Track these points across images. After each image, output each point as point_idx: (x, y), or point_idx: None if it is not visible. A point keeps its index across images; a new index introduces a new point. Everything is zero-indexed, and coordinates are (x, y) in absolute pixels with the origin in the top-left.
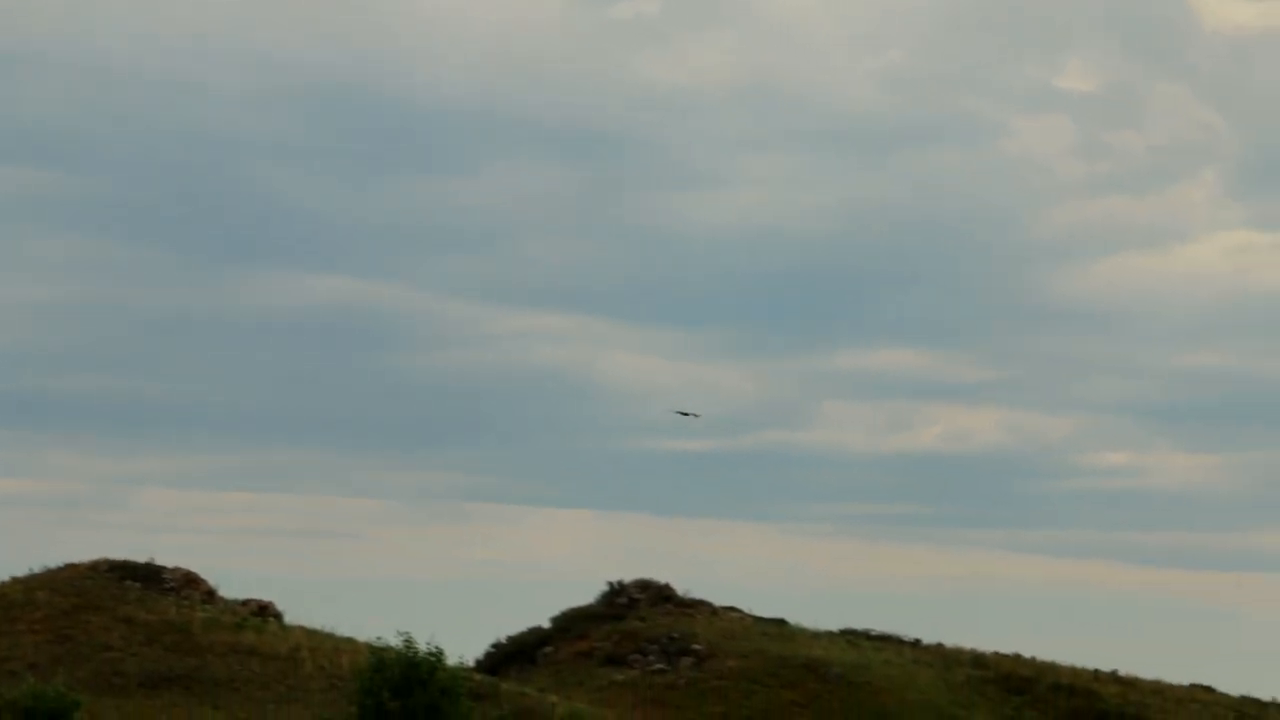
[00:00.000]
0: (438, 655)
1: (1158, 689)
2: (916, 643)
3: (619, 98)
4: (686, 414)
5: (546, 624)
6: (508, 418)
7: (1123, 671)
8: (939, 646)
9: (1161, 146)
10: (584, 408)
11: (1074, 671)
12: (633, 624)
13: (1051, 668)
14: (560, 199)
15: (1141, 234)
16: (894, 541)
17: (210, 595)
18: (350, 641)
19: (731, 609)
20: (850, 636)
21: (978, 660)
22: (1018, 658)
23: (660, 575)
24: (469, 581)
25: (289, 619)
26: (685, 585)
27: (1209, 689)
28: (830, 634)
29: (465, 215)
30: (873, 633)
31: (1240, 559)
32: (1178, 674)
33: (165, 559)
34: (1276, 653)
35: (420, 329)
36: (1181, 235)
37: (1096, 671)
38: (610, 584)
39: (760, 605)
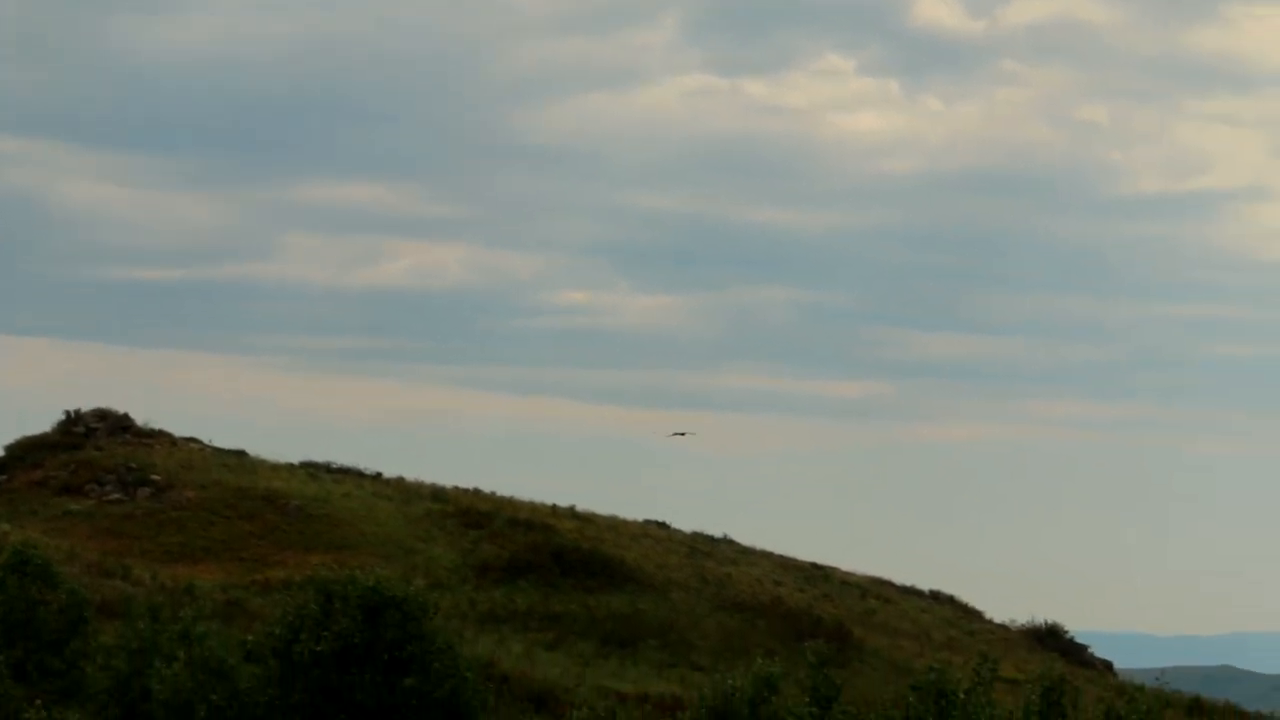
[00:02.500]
0: None
1: (613, 524)
2: (377, 476)
3: None
4: (682, 434)
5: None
6: None
7: (580, 507)
8: (400, 480)
9: None
10: (39, 234)
11: (532, 507)
12: (90, 454)
13: (510, 503)
14: (10, 19)
15: (604, 75)
16: (357, 376)
17: None
18: None
19: (191, 440)
20: (311, 469)
21: (437, 494)
22: (477, 492)
23: (119, 405)
24: None
25: None
26: (144, 416)
27: (663, 525)
28: (290, 466)
29: None
30: (333, 465)
31: (696, 399)
32: (633, 510)
33: None
34: (727, 491)
35: None
36: (642, 77)
37: (554, 507)
38: (67, 413)
39: (220, 437)
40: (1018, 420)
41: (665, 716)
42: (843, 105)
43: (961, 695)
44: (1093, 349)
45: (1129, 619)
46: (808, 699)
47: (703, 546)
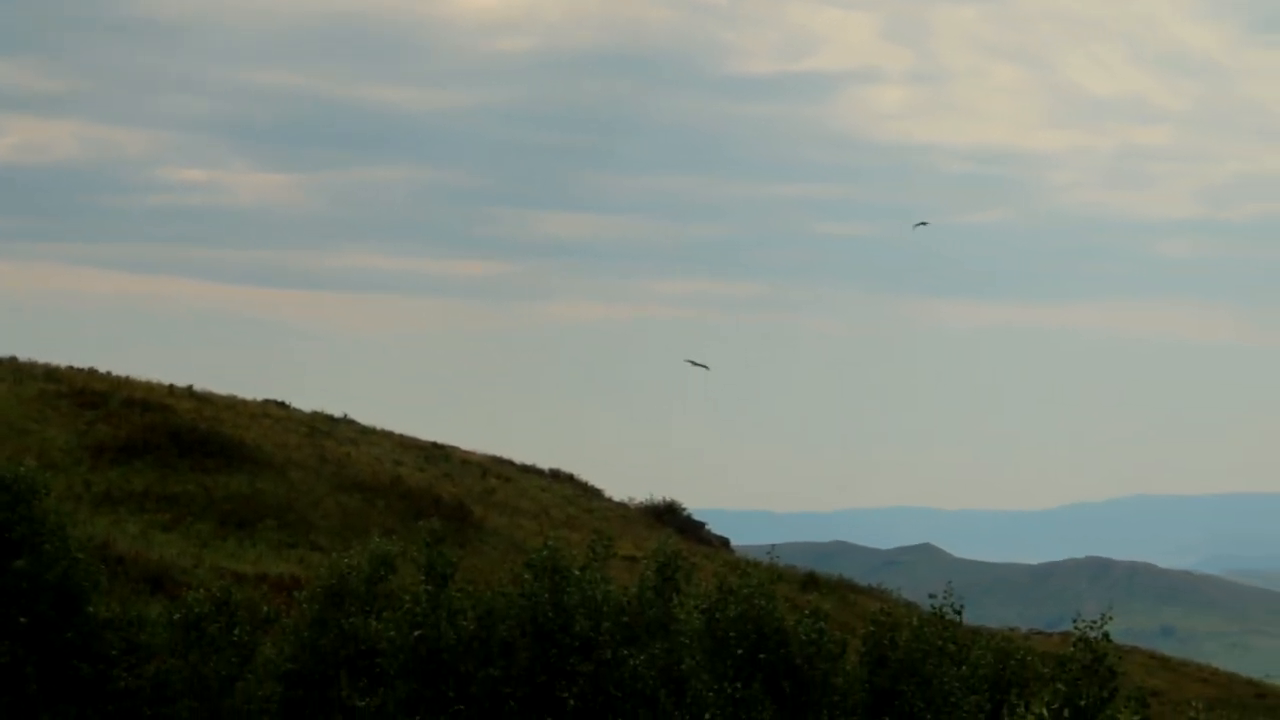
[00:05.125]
0: None
1: (231, 404)
2: None
3: None
4: (697, 364)
5: None
6: None
7: (197, 387)
8: (12, 360)
9: None
10: None
11: (149, 386)
12: None
13: (126, 382)
14: None
15: None
16: None
17: None
18: None
19: None
20: None
21: (51, 374)
22: (92, 372)
23: None
24: None
25: None
26: None
27: (283, 404)
28: None
29: None
30: None
31: (314, 278)
32: (251, 390)
33: None
34: (347, 370)
35: None
36: None
37: (171, 387)
38: None
39: None
40: (636, 300)
41: (282, 596)
42: None
43: (577, 571)
44: (709, 229)
45: (747, 497)
46: (423, 577)
47: (322, 426)
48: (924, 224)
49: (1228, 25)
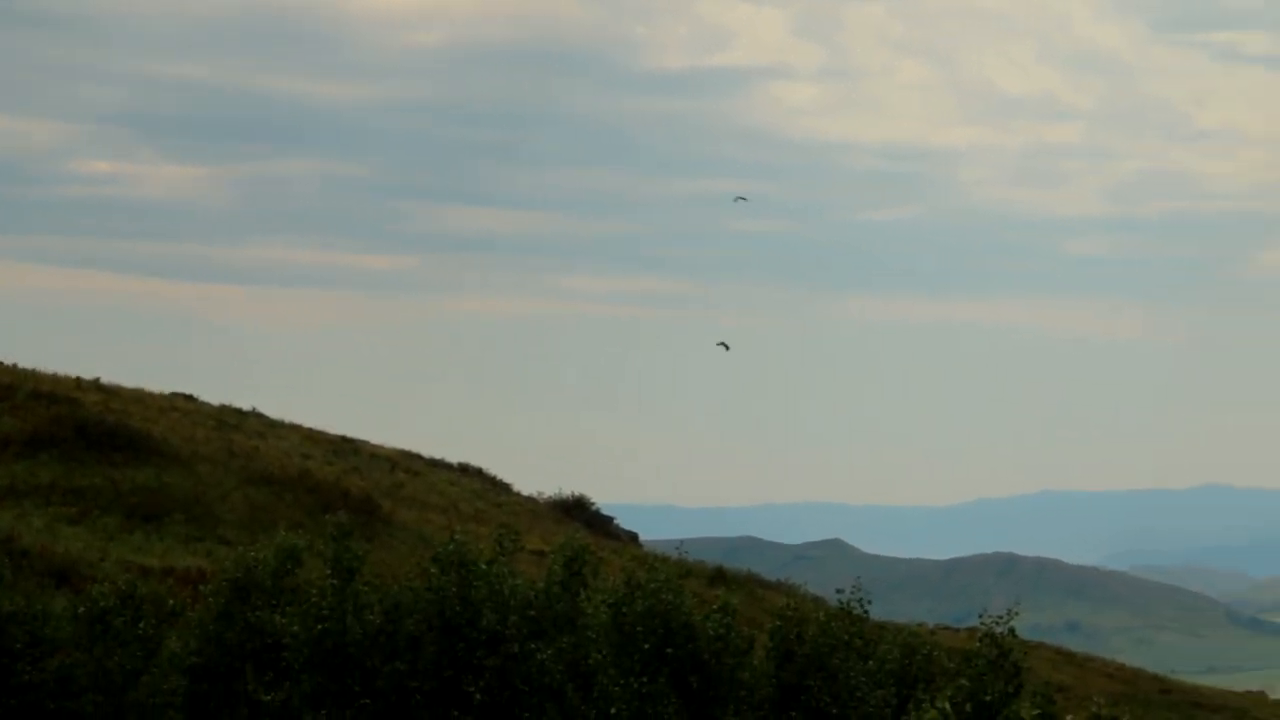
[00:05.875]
0: None
1: (139, 397)
2: None
3: None
4: (723, 344)
5: None
6: None
7: (105, 380)
8: None
9: None
10: None
11: (55, 379)
12: None
13: (32, 375)
14: None
15: None
16: None
17: None
18: None
19: None
20: None
21: None
22: None
23: None
24: None
25: None
26: None
27: (190, 397)
28: None
29: None
30: None
31: (223, 271)
32: (159, 383)
33: None
34: (256, 363)
35: None
36: None
37: (78, 379)
38: None
39: None
40: (548, 295)
41: (189, 590)
42: None
43: (484, 566)
44: (622, 224)
45: (657, 491)
46: (330, 571)
47: (230, 419)
48: (742, 199)
49: (1133, 24)
